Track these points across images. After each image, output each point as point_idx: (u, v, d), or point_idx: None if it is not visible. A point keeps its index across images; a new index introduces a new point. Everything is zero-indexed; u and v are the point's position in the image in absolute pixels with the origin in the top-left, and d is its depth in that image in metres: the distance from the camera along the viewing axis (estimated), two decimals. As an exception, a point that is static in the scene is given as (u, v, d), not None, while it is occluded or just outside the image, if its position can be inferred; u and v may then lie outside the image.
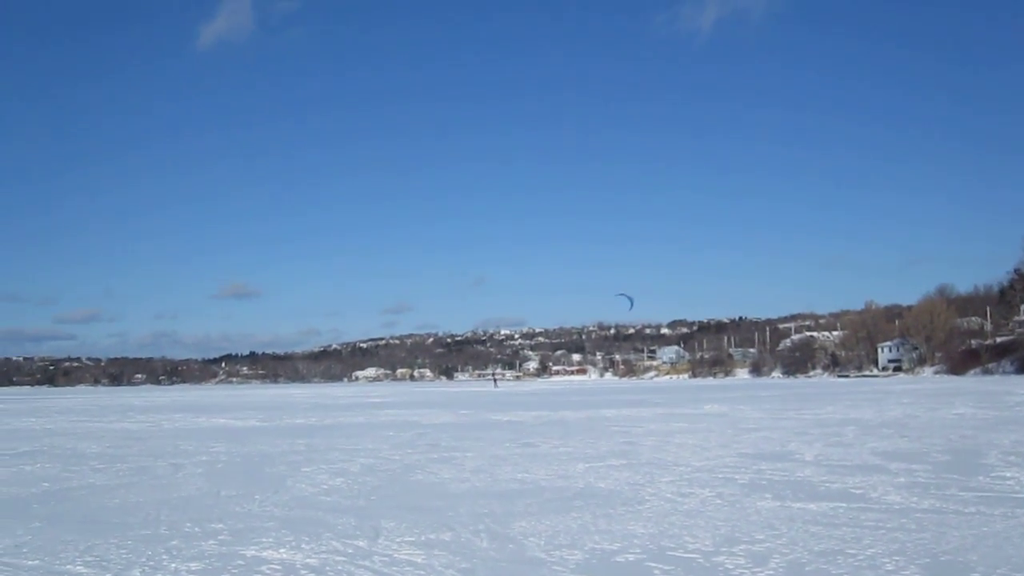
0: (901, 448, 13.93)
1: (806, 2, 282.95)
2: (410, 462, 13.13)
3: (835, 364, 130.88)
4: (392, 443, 16.97)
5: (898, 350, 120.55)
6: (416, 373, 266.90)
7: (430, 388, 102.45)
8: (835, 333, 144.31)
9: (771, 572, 5.75)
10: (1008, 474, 10.41)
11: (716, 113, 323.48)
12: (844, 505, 8.30)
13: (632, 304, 61.26)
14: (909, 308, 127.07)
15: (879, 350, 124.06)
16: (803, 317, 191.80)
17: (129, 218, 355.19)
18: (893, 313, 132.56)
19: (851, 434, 16.99)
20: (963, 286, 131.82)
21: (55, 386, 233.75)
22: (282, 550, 6.69)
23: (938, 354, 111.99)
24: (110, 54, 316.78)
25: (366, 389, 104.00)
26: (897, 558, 6.05)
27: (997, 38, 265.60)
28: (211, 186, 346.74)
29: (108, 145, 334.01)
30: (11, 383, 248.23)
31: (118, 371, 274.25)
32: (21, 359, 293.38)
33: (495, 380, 79.70)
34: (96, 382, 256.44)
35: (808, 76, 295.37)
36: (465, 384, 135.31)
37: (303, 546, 6.82)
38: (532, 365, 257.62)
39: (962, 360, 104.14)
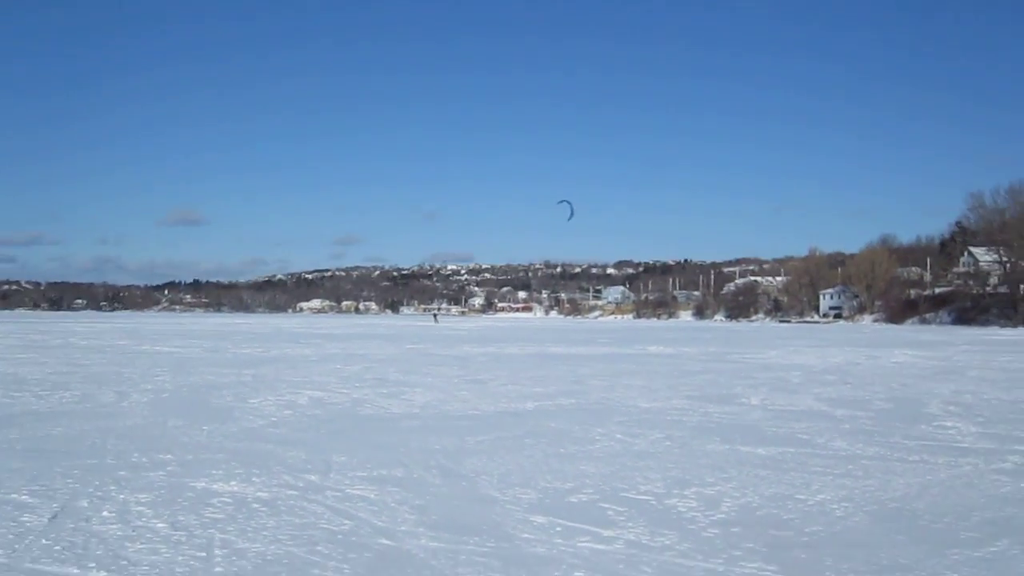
0: (845, 395, 14.14)
1: None
2: (358, 396, 13.08)
3: (777, 309, 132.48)
4: (340, 376, 16.90)
5: (839, 297, 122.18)
6: (362, 306, 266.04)
7: (375, 321, 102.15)
8: (778, 279, 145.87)
9: (723, 516, 5.80)
10: (949, 423, 10.60)
11: (669, 53, 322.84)
12: (792, 450, 8.40)
13: (572, 213, 57.35)
14: (852, 256, 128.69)
15: (821, 297, 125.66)
16: (747, 262, 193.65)
17: (76, 140, 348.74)
18: (836, 261, 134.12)
19: (795, 380, 17.22)
20: (906, 237, 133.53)
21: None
22: (233, 482, 6.63)
23: (878, 303, 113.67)
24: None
25: (311, 320, 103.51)
26: (845, 504, 6.14)
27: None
28: (163, 113, 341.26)
29: (60, 67, 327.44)
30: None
31: (58, 296, 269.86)
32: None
33: (435, 315, 79.00)
34: (35, 306, 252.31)
35: (768, 18, 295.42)
36: (410, 319, 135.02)
37: (254, 479, 6.76)
38: (478, 301, 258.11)
39: (901, 309, 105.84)
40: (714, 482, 6.85)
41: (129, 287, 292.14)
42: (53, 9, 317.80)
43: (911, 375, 18.90)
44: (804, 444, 8.79)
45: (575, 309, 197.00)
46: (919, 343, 38.64)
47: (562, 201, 61.74)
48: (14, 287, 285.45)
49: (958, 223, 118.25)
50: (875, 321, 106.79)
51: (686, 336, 48.46)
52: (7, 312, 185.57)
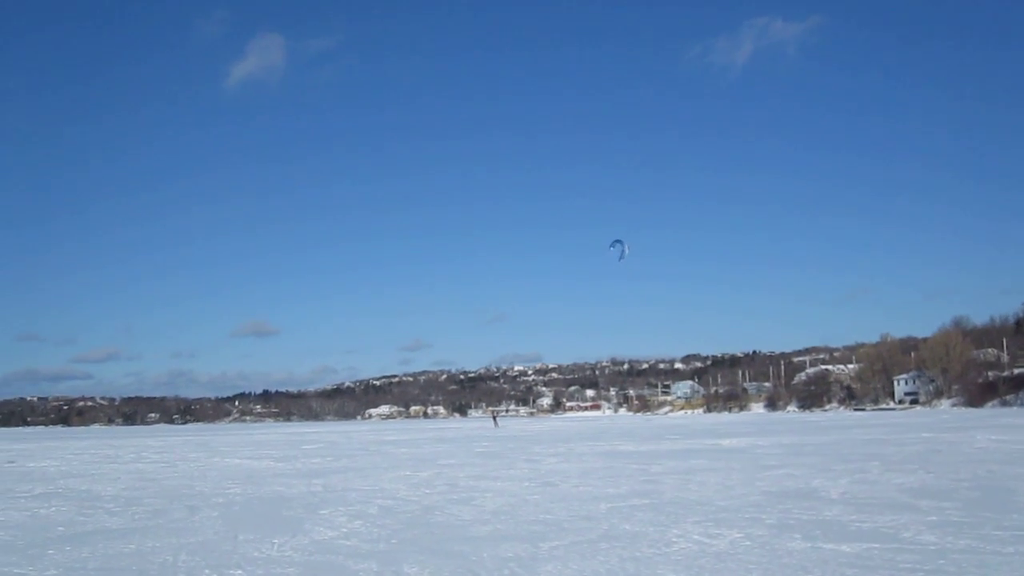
0: (928, 484, 13.68)
1: (839, 38, 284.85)
2: (429, 503, 12.94)
3: (851, 397, 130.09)
4: (409, 483, 16.77)
5: (914, 383, 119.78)
6: (429, 410, 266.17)
7: (443, 424, 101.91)
8: (850, 366, 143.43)
9: (810, 619, 5.56)
10: (1042, 511, 10.18)
11: (735, 148, 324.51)
12: (877, 546, 8.09)
13: (623, 254, 54.55)
14: (925, 340, 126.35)
15: (895, 383, 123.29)
16: (817, 350, 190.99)
17: (150, 255, 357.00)
18: (909, 345, 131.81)
19: (875, 470, 16.72)
20: (979, 318, 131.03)
21: (68, 426, 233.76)
22: (304, 598, 6.52)
23: (955, 386, 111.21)
24: (137, 90, 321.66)
25: (380, 427, 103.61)
26: (940, 603, 5.86)
27: (1011, 74, 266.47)
28: (232, 223, 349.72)
29: (128, 183, 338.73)
30: (25, 423, 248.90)
31: (132, 411, 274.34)
32: (35, 399, 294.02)
33: (495, 417, 77.33)
34: (110, 422, 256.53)
35: (831, 112, 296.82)
36: (475, 421, 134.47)
37: (325, 594, 6.65)
38: (546, 401, 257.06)
39: (979, 392, 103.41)
40: (798, 583, 6.60)
41: (200, 400, 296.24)
42: (128, 113, 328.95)
43: (996, 460, 18.27)
44: (890, 539, 8.46)
45: (644, 405, 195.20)
46: (1001, 426, 37.52)
47: (615, 242, 53.41)
48: (89, 403, 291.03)
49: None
50: (953, 406, 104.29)
51: (759, 428, 47.59)
52: (83, 429, 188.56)
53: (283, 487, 16.56)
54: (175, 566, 8.05)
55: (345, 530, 10.22)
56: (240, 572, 7.66)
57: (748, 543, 8.48)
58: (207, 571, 7.74)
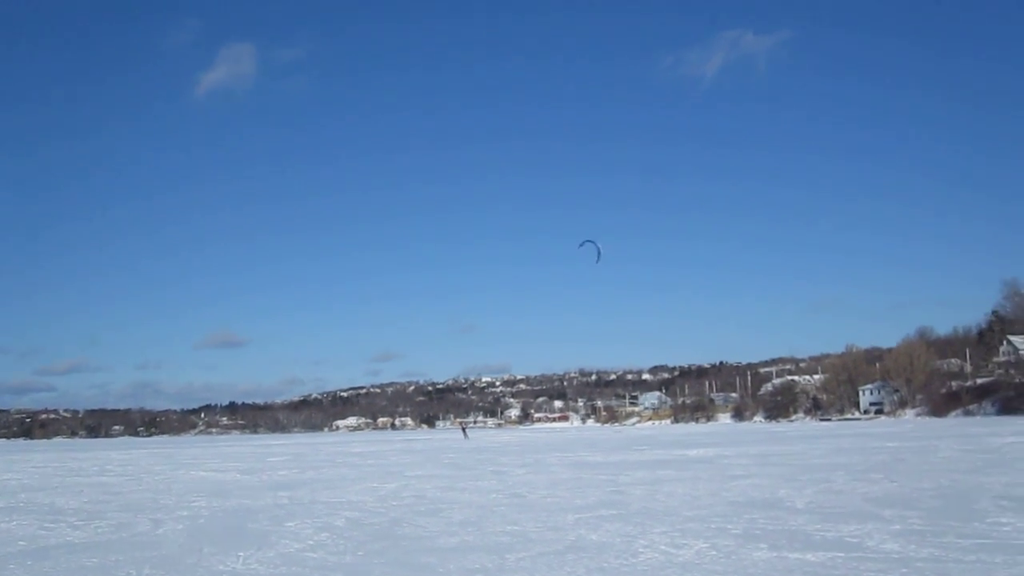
0: (892, 493, 13.80)
1: (808, 51, 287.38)
2: (396, 515, 12.89)
3: (817, 408, 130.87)
4: (376, 495, 16.70)
5: (879, 393, 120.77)
6: (397, 422, 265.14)
7: (411, 436, 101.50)
8: (816, 377, 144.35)
9: (775, 628, 5.59)
10: (1004, 520, 10.29)
11: (705, 158, 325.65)
12: (842, 555, 8.14)
13: (600, 255, 51.53)
14: (889, 351, 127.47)
15: (860, 393, 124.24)
16: (784, 361, 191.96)
17: (116, 266, 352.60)
18: (874, 356, 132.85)
19: (840, 479, 16.84)
20: (942, 328, 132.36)
21: (31, 438, 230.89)
22: (269, 611, 6.48)
23: (919, 396, 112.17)
24: (105, 102, 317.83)
25: (347, 438, 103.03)
26: (903, 611, 5.90)
27: (980, 80, 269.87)
28: (201, 233, 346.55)
29: (95, 195, 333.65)
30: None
31: (95, 423, 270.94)
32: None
33: (464, 429, 76.65)
34: (73, 434, 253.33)
35: (799, 122, 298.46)
36: (444, 432, 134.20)
37: (291, 607, 6.61)
38: (514, 413, 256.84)
39: (943, 402, 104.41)
40: (764, 592, 6.63)
41: (165, 412, 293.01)
42: (95, 126, 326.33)
43: (959, 469, 18.47)
44: (854, 548, 8.53)
45: (612, 416, 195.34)
46: (964, 436, 37.91)
47: (585, 242, 49.50)
48: (52, 415, 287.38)
49: (994, 312, 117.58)
50: (918, 415, 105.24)
51: (725, 439, 47.81)
52: (45, 441, 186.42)
53: (249, 500, 16.45)
54: (139, 580, 7.98)
55: (311, 542, 10.16)
56: (205, 585, 7.60)
57: (714, 553, 8.51)
58: (171, 585, 7.67)
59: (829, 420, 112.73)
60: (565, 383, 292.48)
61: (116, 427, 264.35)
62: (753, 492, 14.83)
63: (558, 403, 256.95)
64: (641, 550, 8.81)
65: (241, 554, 9.35)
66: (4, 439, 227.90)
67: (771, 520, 10.91)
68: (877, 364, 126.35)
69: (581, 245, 46.44)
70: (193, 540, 10.69)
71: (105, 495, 18.74)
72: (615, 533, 10.14)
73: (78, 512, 14.82)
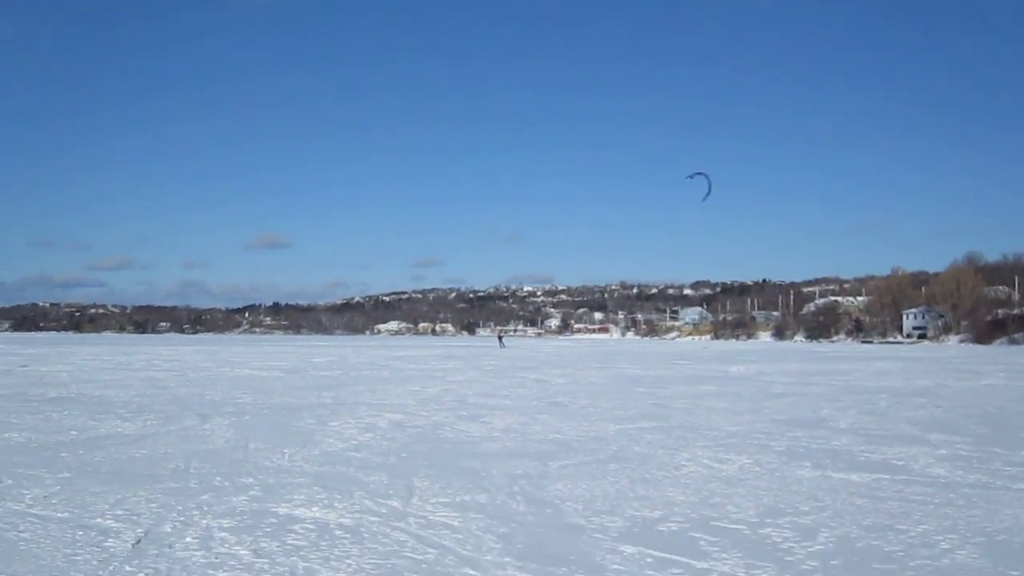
0: (937, 418, 13.68)
1: None
2: (438, 419, 12.99)
3: (859, 330, 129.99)
4: (418, 398, 16.84)
5: (923, 317, 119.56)
6: (438, 328, 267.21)
7: (451, 342, 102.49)
8: (860, 298, 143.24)
9: (820, 547, 5.55)
10: (1052, 448, 10.16)
11: (752, 79, 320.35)
12: (887, 477, 8.08)
13: (709, 192, 42.05)
14: (936, 275, 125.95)
15: (904, 317, 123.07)
16: (828, 281, 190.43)
17: (166, 163, 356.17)
18: (919, 280, 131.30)
19: (883, 402, 16.73)
20: (991, 255, 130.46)
21: (80, 332, 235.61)
22: (315, 508, 6.55)
23: (964, 323, 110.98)
24: (161, 10, 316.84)
25: (388, 342, 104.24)
26: (951, 536, 5.83)
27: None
28: (250, 133, 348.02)
29: (145, 89, 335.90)
30: (38, 328, 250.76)
31: (143, 319, 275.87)
32: (48, 305, 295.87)
33: (500, 337, 74.63)
34: (121, 329, 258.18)
35: (853, 47, 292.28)
36: (485, 339, 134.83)
37: (336, 505, 6.67)
38: (554, 323, 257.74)
39: (988, 329, 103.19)
40: (809, 511, 6.58)
41: (211, 310, 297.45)
42: (144, 15, 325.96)
43: (1004, 397, 18.29)
44: (900, 471, 8.46)
45: (652, 330, 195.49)
46: (1010, 364, 37.55)
47: (695, 174, 43.67)
48: (101, 311, 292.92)
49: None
50: (961, 342, 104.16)
51: (767, 357, 47.70)
52: (94, 335, 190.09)
53: (293, 398, 16.66)
54: (187, 472, 8.10)
55: (355, 442, 10.26)
56: (251, 480, 7.69)
57: (758, 469, 8.49)
58: (218, 479, 7.77)
59: (871, 343, 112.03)
60: (606, 295, 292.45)
61: (163, 324, 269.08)
62: (795, 411, 14.77)
63: (598, 315, 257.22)
64: (684, 463, 8.80)
65: (286, 451, 9.46)
66: (55, 332, 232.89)
67: (814, 439, 10.85)
68: (923, 288, 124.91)
69: (691, 177, 42.84)
70: (239, 435, 10.84)
71: (153, 389, 19.06)
72: (657, 445, 10.14)
73: (127, 405, 15.09)
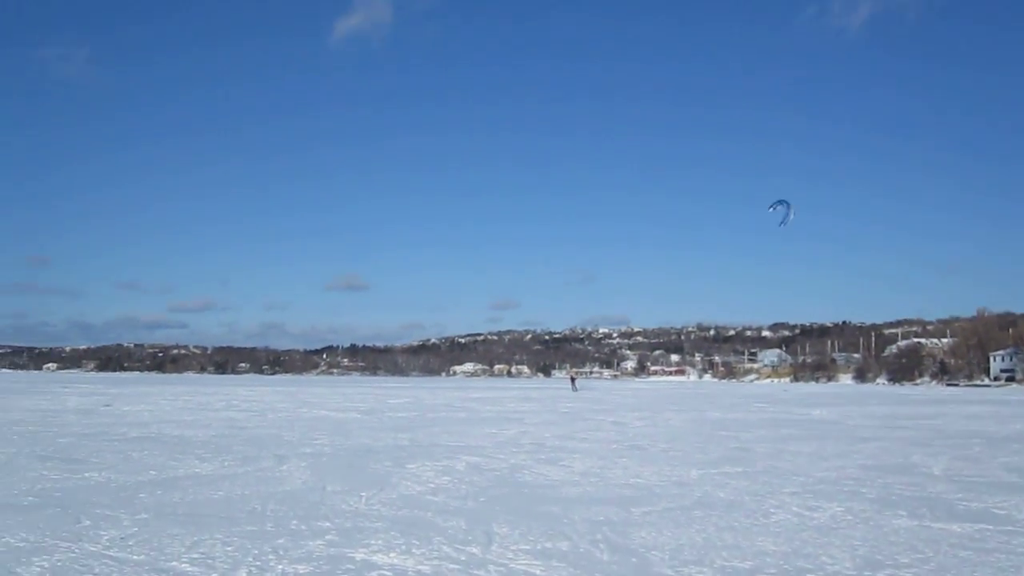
0: (1036, 465, 13.10)
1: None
2: (516, 462, 12.77)
3: (943, 372, 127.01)
4: (495, 441, 16.65)
5: (1011, 359, 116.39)
6: (514, 369, 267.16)
7: (527, 384, 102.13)
8: (944, 340, 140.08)
9: (926, 602, 5.23)
10: None
11: (826, 123, 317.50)
12: (990, 527, 7.67)
13: (788, 218, 41.60)
14: (1023, 316, 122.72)
15: (991, 359, 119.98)
16: (909, 323, 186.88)
17: (248, 208, 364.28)
18: (1006, 321, 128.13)
19: (977, 448, 16.11)
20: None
21: (162, 372, 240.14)
22: (392, 554, 6.38)
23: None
24: (247, 31, 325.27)
25: (464, 383, 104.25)
26: (1067, 592, 5.47)
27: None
28: (331, 175, 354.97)
29: (230, 138, 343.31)
30: (122, 368, 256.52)
31: (223, 359, 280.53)
32: (132, 345, 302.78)
33: (573, 380, 71.62)
34: (202, 369, 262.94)
35: (949, 74, 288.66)
36: (561, 381, 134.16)
37: (414, 550, 6.49)
38: (630, 364, 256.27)
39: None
40: (909, 563, 6.24)
41: (289, 351, 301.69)
42: (232, 72, 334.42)
43: (1106, 443, 17.52)
44: (1003, 520, 8.04)
45: (730, 372, 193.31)
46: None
47: (777, 203, 43.88)
48: (183, 351, 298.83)
49: None
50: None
51: (849, 400, 46.66)
52: (176, 375, 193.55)
53: (370, 440, 16.57)
54: (263, 515, 7.99)
55: (432, 485, 10.09)
56: (328, 524, 7.56)
57: (850, 518, 8.12)
58: (295, 521, 7.65)
59: (956, 385, 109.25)
60: (683, 337, 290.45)
61: (242, 364, 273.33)
62: (883, 456, 14.27)
63: (675, 357, 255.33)
64: (772, 510, 8.46)
65: (363, 494, 9.32)
66: (138, 372, 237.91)
67: (907, 486, 10.41)
68: (1010, 330, 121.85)
69: (772, 207, 42.85)
70: (316, 477, 10.74)
71: (231, 429, 19.14)
72: (743, 491, 9.81)
73: (206, 445, 15.12)
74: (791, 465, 12.66)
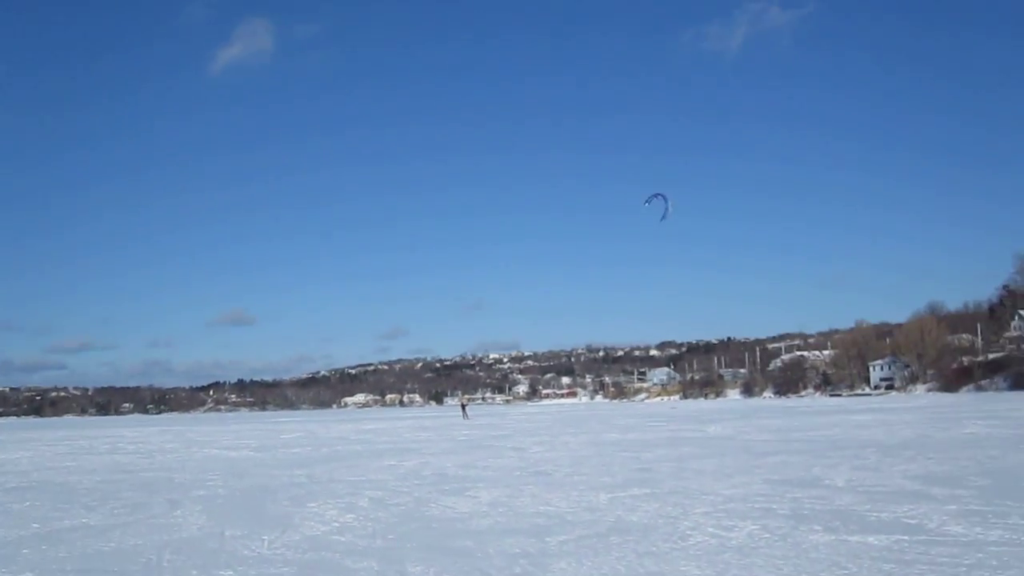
0: (933, 471, 13.30)
1: (830, 26, 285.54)
2: (420, 495, 12.42)
3: (826, 383, 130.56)
4: (396, 473, 16.25)
5: (890, 368, 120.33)
6: (406, 399, 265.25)
7: (420, 413, 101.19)
8: (825, 352, 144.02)
9: (860, 622, 5.10)
10: (1063, 499, 9.79)
11: (717, 133, 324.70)
12: (906, 538, 7.65)
13: (667, 212, 40.52)
14: (899, 326, 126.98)
15: (871, 368, 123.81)
16: (792, 336, 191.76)
17: (128, 244, 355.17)
18: (883, 331, 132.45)
19: (872, 457, 16.34)
20: (953, 304, 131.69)
21: (41, 416, 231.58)
22: (303, 603, 6.01)
23: (930, 371, 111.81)
24: (119, 76, 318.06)
25: (357, 415, 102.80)
26: (996, 602, 5.41)
27: (993, 61, 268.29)
28: (212, 210, 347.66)
29: (107, 170, 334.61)
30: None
31: (105, 400, 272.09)
32: (7, 390, 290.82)
33: (463, 407, 68.24)
34: (83, 412, 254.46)
35: (808, 94, 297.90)
36: (453, 409, 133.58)
37: (326, 597, 6.14)
38: (522, 389, 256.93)
39: (955, 377, 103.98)
40: (836, 581, 6.14)
41: (174, 389, 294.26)
42: (107, 98, 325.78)
43: (992, 445, 18.00)
44: (916, 531, 8.04)
45: (620, 392, 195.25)
46: (985, 412, 37.41)
47: (652, 197, 42.13)
48: (62, 394, 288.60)
49: (1006, 287, 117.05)
50: (929, 391, 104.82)
51: (740, 415, 47.36)
52: (56, 419, 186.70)
53: (265, 479, 16.00)
54: (159, 566, 7.52)
55: (337, 524, 9.69)
56: (230, 572, 7.13)
57: (767, 535, 8.03)
58: (194, 572, 7.20)
59: (840, 395, 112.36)
60: (573, 359, 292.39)
61: (126, 404, 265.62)
62: (786, 470, 14.34)
63: (566, 379, 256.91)
64: (688, 532, 8.32)
65: (265, 537, 8.88)
66: (15, 417, 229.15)
67: (816, 500, 10.41)
68: (887, 339, 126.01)
69: (648, 201, 41.55)
70: (213, 522, 10.23)
71: (118, 474, 18.33)
72: (655, 514, 9.66)
73: (92, 492, 14.39)
74: (697, 484, 12.59)
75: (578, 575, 6.62)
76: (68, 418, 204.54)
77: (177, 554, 8.07)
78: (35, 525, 10.49)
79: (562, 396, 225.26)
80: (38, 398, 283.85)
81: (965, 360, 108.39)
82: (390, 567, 7.13)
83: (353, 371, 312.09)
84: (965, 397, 77.49)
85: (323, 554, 7.85)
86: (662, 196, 42.85)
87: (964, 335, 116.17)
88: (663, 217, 41.88)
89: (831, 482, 12.28)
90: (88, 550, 8.52)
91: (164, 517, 10.85)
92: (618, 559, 7.17)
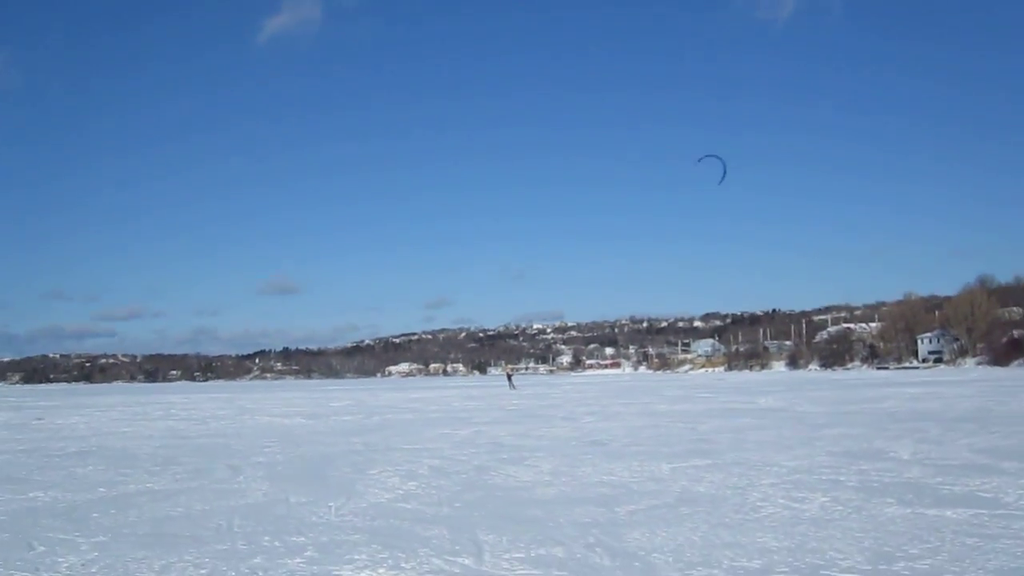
0: (999, 445, 13.08)
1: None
2: (479, 463, 12.39)
3: (873, 356, 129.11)
4: (452, 441, 16.25)
5: (938, 341, 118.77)
6: (449, 368, 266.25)
7: (464, 383, 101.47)
8: (872, 325, 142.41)
9: (954, 597, 4.98)
10: None
11: (760, 108, 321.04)
12: (985, 512, 7.49)
13: (725, 172, 38.28)
14: (948, 299, 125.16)
15: (919, 342, 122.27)
16: (838, 309, 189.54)
17: (176, 212, 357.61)
18: (932, 304, 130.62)
19: (934, 430, 16.09)
20: (1003, 276, 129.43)
21: (91, 383, 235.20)
22: (381, 570, 5.97)
23: (980, 345, 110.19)
24: (168, 43, 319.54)
25: (401, 384, 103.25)
26: (1093, 579, 5.27)
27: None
28: (260, 178, 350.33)
29: (154, 138, 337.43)
30: (48, 380, 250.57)
31: (153, 368, 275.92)
32: (58, 356, 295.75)
33: (509, 377, 65.99)
34: (132, 378, 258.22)
35: (863, 72, 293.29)
36: (496, 378, 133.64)
37: (403, 565, 6.09)
38: (565, 359, 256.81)
39: (1005, 351, 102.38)
40: (920, 555, 6.00)
41: (220, 357, 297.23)
42: (152, 66, 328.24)
43: (1056, 421, 17.67)
44: (994, 504, 7.88)
45: (664, 364, 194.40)
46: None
47: (706, 157, 40.37)
48: (111, 360, 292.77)
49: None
50: (979, 364, 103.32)
51: (787, 387, 46.98)
52: (105, 385, 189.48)
53: (323, 446, 16.04)
54: (231, 531, 7.52)
55: (401, 492, 9.68)
56: (302, 539, 7.12)
57: (840, 508, 7.90)
58: (267, 538, 7.19)
59: (887, 368, 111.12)
60: (616, 330, 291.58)
61: (173, 372, 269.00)
62: (847, 442, 14.15)
63: (609, 350, 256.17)
64: (759, 504, 8.21)
65: (331, 504, 8.87)
66: (65, 383, 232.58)
67: (884, 472, 10.25)
68: (936, 312, 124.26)
69: (700, 160, 40.17)
70: (277, 488, 10.25)
71: (175, 439, 18.49)
72: (721, 484, 9.55)
73: (152, 457, 14.51)
74: (758, 456, 12.45)
75: (655, 545, 6.52)
76: (117, 384, 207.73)
77: (246, 519, 8.08)
78: (101, 490, 10.56)
79: (606, 367, 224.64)
80: (88, 364, 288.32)
81: (1016, 333, 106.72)
82: (461, 535, 7.08)
83: (397, 340, 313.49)
84: (1018, 371, 76.35)
85: (392, 521, 7.82)
86: (717, 156, 42.24)
87: (1015, 308, 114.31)
88: (721, 179, 40.88)
89: (896, 455, 12.09)
90: (158, 514, 8.56)
91: (227, 483, 10.89)
92: (691, 529, 7.08)
